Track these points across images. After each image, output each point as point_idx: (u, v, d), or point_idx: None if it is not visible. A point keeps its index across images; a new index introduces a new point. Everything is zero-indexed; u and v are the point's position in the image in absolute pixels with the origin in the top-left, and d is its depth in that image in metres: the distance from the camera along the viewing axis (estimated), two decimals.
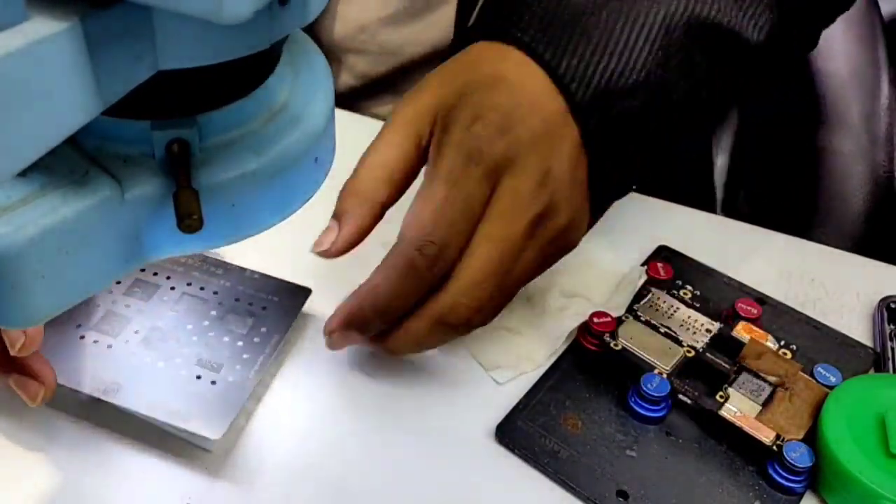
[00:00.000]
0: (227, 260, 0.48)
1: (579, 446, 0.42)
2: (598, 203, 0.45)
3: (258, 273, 0.47)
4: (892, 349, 0.48)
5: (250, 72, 0.27)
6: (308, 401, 0.45)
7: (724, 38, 0.47)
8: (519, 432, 0.43)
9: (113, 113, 0.23)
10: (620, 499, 0.40)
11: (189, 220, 0.25)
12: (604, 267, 0.51)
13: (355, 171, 0.42)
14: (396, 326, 0.42)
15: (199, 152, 0.26)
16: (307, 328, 0.47)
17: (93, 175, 0.25)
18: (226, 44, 0.23)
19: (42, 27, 0.20)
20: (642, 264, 0.51)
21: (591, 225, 0.45)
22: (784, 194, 0.82)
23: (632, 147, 0.45)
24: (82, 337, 0.43)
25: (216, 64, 0.24)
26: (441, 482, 0.41)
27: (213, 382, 0.42)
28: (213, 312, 0.45)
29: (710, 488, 0.41)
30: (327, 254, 0.41)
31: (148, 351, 0.43)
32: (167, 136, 0.25)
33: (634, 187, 0.51)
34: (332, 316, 0.43)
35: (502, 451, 0.43)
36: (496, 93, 0.42)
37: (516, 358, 0.46)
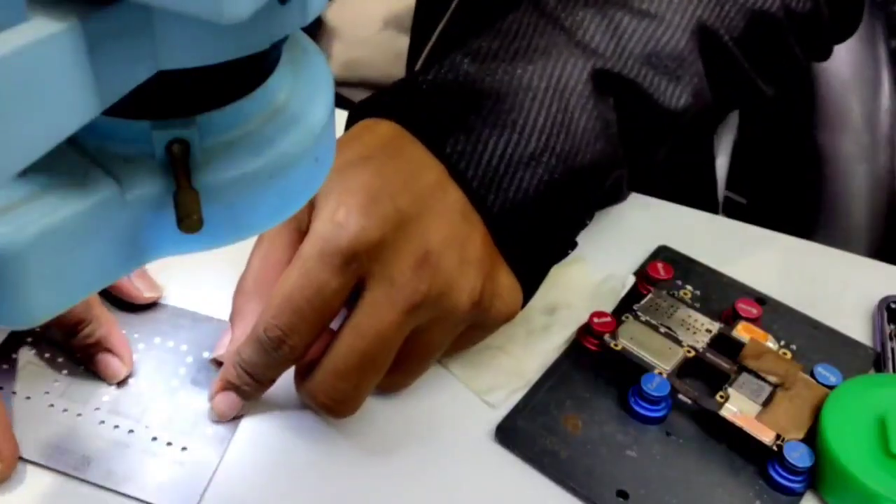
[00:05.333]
0: (195, 310, 0.47)
1: (579, 446, 0.42)
2: (530, 269, 0.43)
3: (227, 322, 0.46)
4: (892, 349, 0.48)
5: (250, 72, 0.27)
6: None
7: (638, 97, 0.45)
8: (519, 432, 0.43)
9: (113, 113, 0.23)
10: (620, 499, 0.40)
11: (189, 221, 0.25)
12: (583, 273, 0.50)
13: (246, 268, 0.42)
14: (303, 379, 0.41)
15: (199, 152, 0.26)
16: None
17: (93, 175, 0.25)
18: (226, 44, 0.23)
19: (42, 27, 0.20)
20: (642, 264, 0.51)
21: (527, 293, 0.43)
22: (785, 195, 0.82)
23: (551, 213, 0.43)
24: (51, 405, 0.42)
25: (216, 64, 0.24)
26: (441, 482, 0.41)
27: (184, 448, 0.41)
28: (182, 370, 0.44)
29: (710, 488, 0.41)
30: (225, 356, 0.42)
31: (117, 418, 0.42)
32: (167, 136, 0.25)
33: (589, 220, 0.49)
34: (214, 382, 0.42)
35: (502, 451, 0.43)
36: (362, 171, 0.39)
37: (506, 376, 0.45)
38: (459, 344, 0.43)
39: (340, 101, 0.60)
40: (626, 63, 0.45)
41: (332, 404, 0.40)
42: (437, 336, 0.41)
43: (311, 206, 0.40)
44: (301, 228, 0.40)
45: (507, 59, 0.44)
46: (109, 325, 0.43)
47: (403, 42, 0.64)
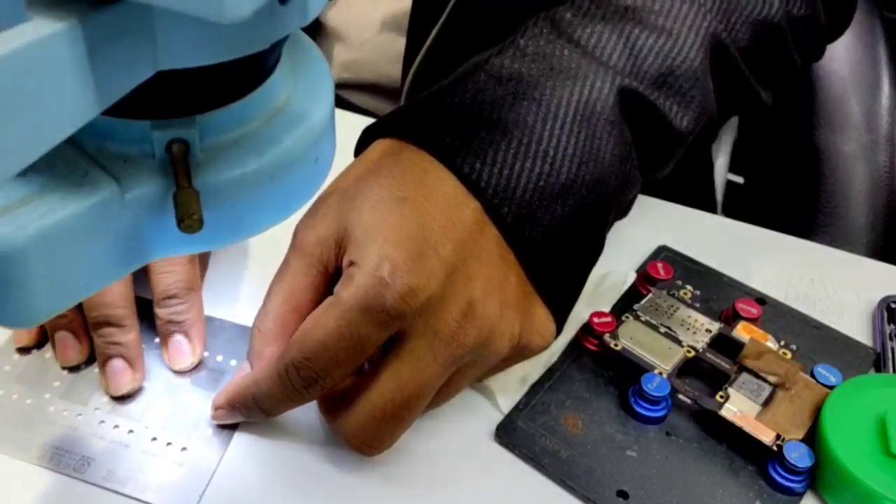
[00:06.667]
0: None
1: (579, 446, 0.42)
2: (562, 299, 0.43)
3: (228, 323, 0.47)
4: (892, 349, 0.48)
5: (250, 72, 0.27)
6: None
7: (653, 118, 0.45)
8: (519, 432, 0.43)
9: (113, 113, 0.23)
10: (620, 499, 0.40)
11: (189, 221, 0.25)
12: None
13: (264, 305, 0.40)
14: (335, 415, 0.40)
15: (199, 152, 0.26)
16: None
17: (93, 175, 0.25)
18: (226, 44, 0.23)
19: (42, 27, 0.20)
20: (642, 264, 0.51)
21: (559, 323, 0.42)
22: (785, 195, 0.82)
23: (580, 241, 0.42)
24: (51, 406, 0.42)
25: (216, 64, 0.24)
26: (441, 482, 0.41)
27: (184, 449, 0.41)
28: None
29: (710, 488, 0.41)
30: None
31: (117, 418, 0.42)
32: (167, 136, 0.25)
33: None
34: (221, 392, 0.42)
35: (502, 451, 0.42)
36: (399, 217, 0.38)
37: (515, 381, 0.45)
38: (489, 374, 0.43)
39: (339, 104, 0.60)
40: (642, 82, 0.44)
41: (367, 448, 0.39)
42: (469, 376, 0.41)
43: (340, 248, 0.39)
44: (327, 270, 0.39)
45: (532, 83, 0.43)
46: (199, 314, 0.44)
47: (402, 44, 0.64)
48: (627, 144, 0.44)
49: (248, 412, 0.41)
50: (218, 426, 0.42)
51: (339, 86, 0.69)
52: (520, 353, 0.41)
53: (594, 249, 0.44)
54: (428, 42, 0.61)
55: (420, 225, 0.38)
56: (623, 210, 0.49)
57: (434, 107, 0.42)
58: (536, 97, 0.42)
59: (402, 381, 0.38)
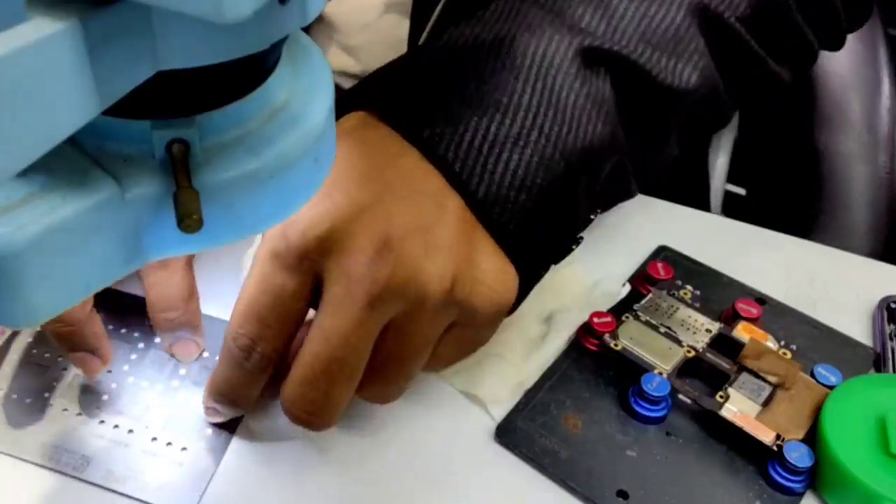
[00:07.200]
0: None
1: (579, 446, 0.42)
2: (526, 256, 0.40)
3: (228, 322, 0.47)
4: (892, 349, 0.48)
5: (250, 72, 0.27)
6: None
7: (636, 74, 0.44)
8: (519, 432, 0.43)
9: (113, 113, 0.23)
10: (620, 499, 0.40)
11: (189, 220, 0.25)
12: (577, 277, 0.50)
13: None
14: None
15: (199, 152, 0.26)
16: None
17: (93, 175, 0.25)
18: (226, 44, 0.23)
19: (42, 27, 0.20)
20: (642, 264, 0.51)
21: (524, 283, 0.40)
22: (784, 195, 0.82)
23: (546, 199, 0.40)
24: (51, 405, 0.42)
25: (216, 64, 0.24)
26: (441, 482, 0.41)
27: (184, 448, 0.41)
28: (182, 370, 0.44)
29: (710, 488, 0.41)
30: None
31: (117, 418, 0.42)
32: (167, 136, 0.25)
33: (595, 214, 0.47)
34: (204, 390, 0.42)
35: (502, 451, 0.43)
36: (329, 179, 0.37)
37: (509, 389, 0.44)
38: (454, 350, 0.41)
39: (341, 93, 0.59)
40: (619, 41, 0.43)
41: (304, 416, 0.38)
42: (412, 333, 0.38)
43: None
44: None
45: (489, 42, 0.42)
46: (198, 314, 0.44)
47: (405, 27, 0.63)
48: (597, 100, 0.42)
49: (224, 405, 0.41)
50: (217, 426, 0.42)
51: (340, 74, 0.69)
52: (463, 303, 0.38)
53: (568, 213, 0.42)
54: (431, 22, 0.60)
55: (339, 169, 0.35)
56: (622, 188, 0.47)
57: (382, 73, 0.42)
58: (492, 53, 0.41)
59: (325, 333, 0.36)
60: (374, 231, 0.36)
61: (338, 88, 0.36)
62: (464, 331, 0.40)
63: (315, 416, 0.38)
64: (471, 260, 0.38)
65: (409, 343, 0.38)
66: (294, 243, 0.36)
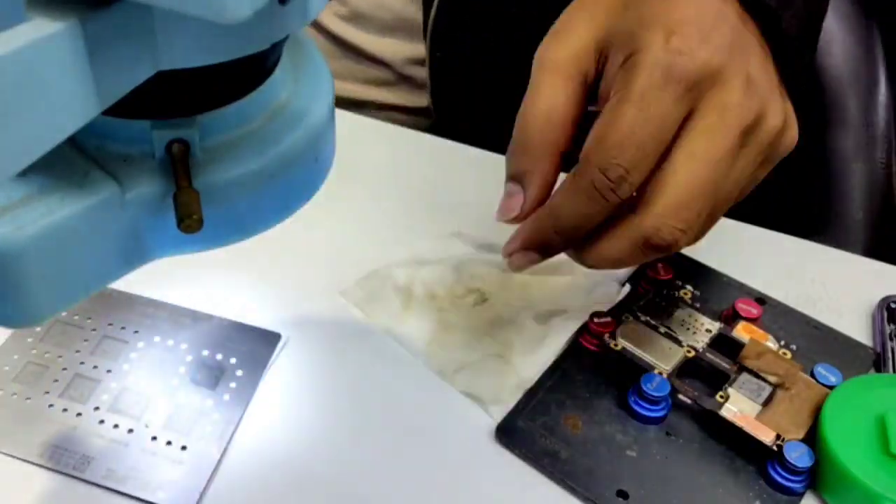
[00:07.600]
0: (195, 308, 0.47)
1: (579, 446, 0.42)
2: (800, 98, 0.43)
3: (227, 320, 0.47)
4: (892, 349, 0.48)
5: (251, 71, 0.27)
6: (306, 400, 0.45)
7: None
8: (519, 432, 0.43)
9: (113, 113, 0.23)
10: (620, 499, 0.40)
11: (189, 221, 0.25)
12: (576, 275, 0.50)
13: (520, 126, 0.40)
14: (590, 242, 0.40)
15: (199, 152, 0.26)
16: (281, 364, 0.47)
17: (93, 175, 0.25)
18: (226, 44, 0.23)
19: (42, 27, 0.20)
20: (641, 265, 0.51)
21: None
22: (783, 193, 0.82)
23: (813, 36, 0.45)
24: (51, 405, 0.42)
25: (217, 64, 0.24)
26: (441, 482, 0.41)
27: (184, 448, 0.41)
28: (182, 369, 0.44)
29: (710, 488, 0.41)
30: (518, 218, 0.40)
31: (116, 417, 0.42)
32: (167, 136, 0.25)
33: None
34: (512, 238, 0.41)
35: (502, 451, 0.43)
36: (672, 5, 0.39)
37: (508, 391, 0.44)
38: (762, 165, 0.43)
39: (350, 50, 0.57)
40: None
41: (678, 237, 0.38)
42: (748, 165, 0.40)
43: (600, 54, 0.40)
44: (586, 81, 0.40)
45: None
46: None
47: None
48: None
49: (544, 246, 0.40)
50: (217, 424, 0.42)
51: (350, 22, 0.64)
52: (779, 143, 0.41)
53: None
54: None
55: (696, 12, 0.39)
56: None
57: None
58: None
59: (701, 157, 0.38)
60: (741, 68, 0.39)
61: (338, 93, 0.35)
62: (762, 168, 0.42)
63: (687, 234, 0.39)
64: (788, 102, 0.42)
65: (743, 177, 0.40)
66: (692, 71, 0.38)
